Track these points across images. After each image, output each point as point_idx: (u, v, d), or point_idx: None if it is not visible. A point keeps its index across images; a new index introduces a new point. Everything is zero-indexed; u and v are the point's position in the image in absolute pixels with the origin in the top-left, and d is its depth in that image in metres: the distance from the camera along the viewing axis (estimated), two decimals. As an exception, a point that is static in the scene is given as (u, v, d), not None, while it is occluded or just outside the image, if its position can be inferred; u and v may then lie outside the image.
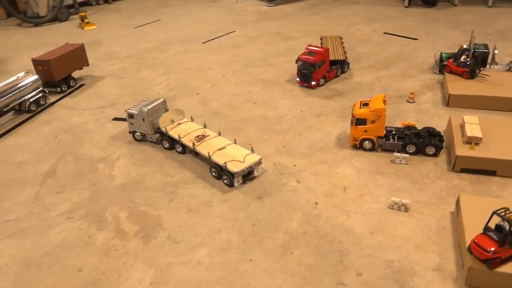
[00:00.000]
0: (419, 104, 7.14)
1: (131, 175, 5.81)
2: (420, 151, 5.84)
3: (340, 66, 8.26)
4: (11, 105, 7.36)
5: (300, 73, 7.92)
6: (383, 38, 10.15)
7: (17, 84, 7.54)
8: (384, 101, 5.99)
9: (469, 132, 5.62)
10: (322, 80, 8.05)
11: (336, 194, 5.20)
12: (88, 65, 9.11)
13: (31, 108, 7.69)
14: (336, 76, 8.19)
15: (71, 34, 12.29)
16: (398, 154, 5.71)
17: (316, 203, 5.07)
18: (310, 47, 7.95)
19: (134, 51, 10.59)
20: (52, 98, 8.26)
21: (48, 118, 7.51)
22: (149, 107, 6.33)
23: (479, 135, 5.56)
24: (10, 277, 4.32)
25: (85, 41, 11.35)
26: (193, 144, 5.99)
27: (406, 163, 5.67)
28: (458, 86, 7.08)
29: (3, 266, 4.48)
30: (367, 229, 4.67)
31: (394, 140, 5.91)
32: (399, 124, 6.19)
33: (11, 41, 11.86)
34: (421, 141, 5.82)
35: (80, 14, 12.90)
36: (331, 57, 8.09)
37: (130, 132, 6.54)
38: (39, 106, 7.87)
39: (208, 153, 5.74)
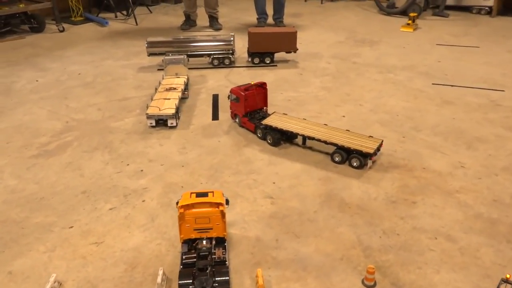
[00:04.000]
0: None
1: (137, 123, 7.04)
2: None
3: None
4: (195, 53, 9.46)
5: None
6: None
7: (211, 40, 9.54)
8: (221, 210, 3.83)
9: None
10: (236, 119, 6.77)
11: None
12: (295, 51, 9.65)
13: (214, 62, 9.59)
14: None
15: (387, 29, 12.27)
16: (161, 273, 3.92)
17: (71, 227, 4.82)
18: (256, 84, 6.64)
19: (371, 61, 9.81)
20: (240, 64, 9.76)
21: (206, 73, 9.22)
22: (168, 57, 8.19)
23: None
24: None
25: (373, 38, 11.65)
26: (156, 89, 7.45)
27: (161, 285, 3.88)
28: None
29: None
30: None
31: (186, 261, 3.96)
32: None
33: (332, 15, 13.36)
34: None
35: (411, 14, 12.31)
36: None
37: None
38: (220, 63, 9.62)
39: (151, 97, 7.20)
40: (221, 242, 4.20)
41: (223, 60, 9.55)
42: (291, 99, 7.87)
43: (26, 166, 5.91)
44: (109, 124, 7.05)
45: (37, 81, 8.88)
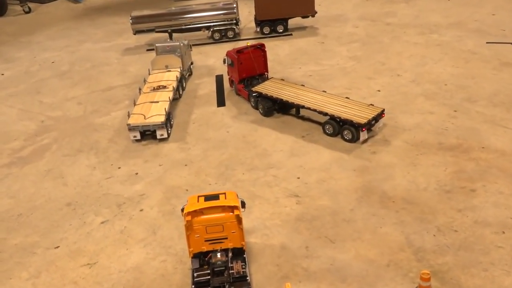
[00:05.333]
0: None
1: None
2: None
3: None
4: (192, 26, 9.47)
5: None
6: None
7: (210, 9, 9.53)
8: (235, 217, 3.85)
9: None
10: (232, 86, 7.37)
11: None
12: (313, 15, 9.60)
13: (214, 36, 9.60)
14: None
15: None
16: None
17: (56, 246, 4.90)
18: (253, 46, 7.09)
19: (409, 20, 9.74)
20: (247, 36, 9.74)
21: (206, 50, 9.25)
22: (161, 44, 8.16)
23: None
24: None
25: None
26: (140, 90, 7.34)
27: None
28: None
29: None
30: None
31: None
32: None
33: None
34: None
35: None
36: None
37: None
38: (223, 37, 9.61)
39: (134, 101, 7.05)
40: (239, 253, 4.23)
41: (225, 32, 9.54)
42: (313, 74, 7.86)
43: (-3, 177, 6.02)
44: (92, 120, 7.13)
45: (2, 74, 9.01)
